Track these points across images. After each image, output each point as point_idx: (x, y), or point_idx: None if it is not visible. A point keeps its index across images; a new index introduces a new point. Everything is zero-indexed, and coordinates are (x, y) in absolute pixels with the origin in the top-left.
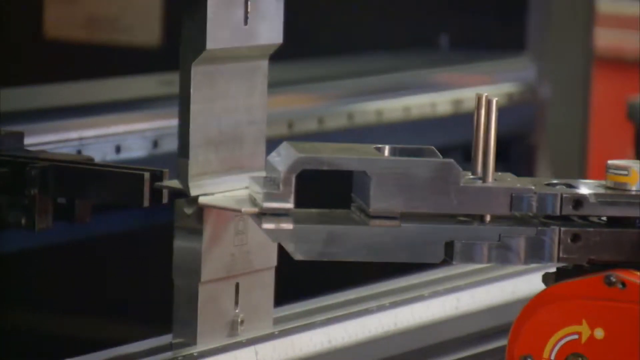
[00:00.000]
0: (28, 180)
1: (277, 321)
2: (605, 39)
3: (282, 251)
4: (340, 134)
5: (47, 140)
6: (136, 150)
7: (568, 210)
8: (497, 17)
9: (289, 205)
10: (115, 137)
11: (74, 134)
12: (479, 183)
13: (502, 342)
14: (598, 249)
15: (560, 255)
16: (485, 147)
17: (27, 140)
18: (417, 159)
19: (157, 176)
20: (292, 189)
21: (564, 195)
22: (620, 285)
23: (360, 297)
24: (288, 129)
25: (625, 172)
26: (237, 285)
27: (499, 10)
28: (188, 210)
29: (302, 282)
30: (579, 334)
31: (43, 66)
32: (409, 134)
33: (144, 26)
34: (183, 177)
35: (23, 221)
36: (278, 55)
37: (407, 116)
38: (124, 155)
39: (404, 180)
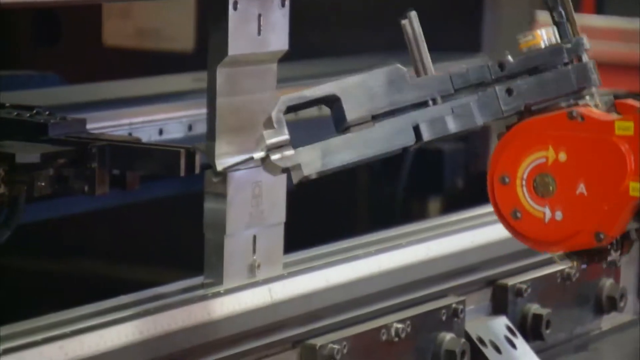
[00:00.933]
0: (89, 156)
1: (286, 265)
2: None
3: (289, 210)
4: None
5: (105, 125)
6: (175, 133)
7: (497, 73)
8: (456, 21)
9: (285, 136)
10: (158, 123)
11: (125, 120)
12: (423, 75)
13: (465, 280)
14: (529, 94)
15: (503, 108)
16: (419, 49)
17: (89, 125)
18: (369, 71)
19: (190, 152)
20: (284, 124)
21: (490, 64)
22: (580, 119)
23: (351, 246)
24: (294, 116)
25: (531, 37)
26: (254, 237)
27: (458, 15)
28: (215, 179)
29: (305, 234)
30: (546, 157)
31: (102, 67)
32: None
33: (181, 35)
34: (210, 155)
35: (86, 188)
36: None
37: None
38: (165, 136)
39: (365, 90)
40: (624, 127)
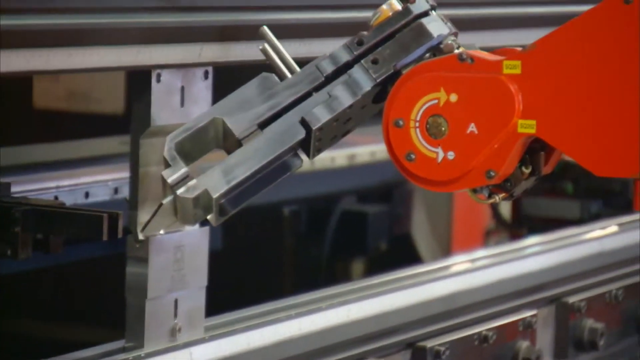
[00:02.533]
0: (12, 220)
1: (207, 329)
2: None
3: (215, 271)
4: None
5: (31, 188)
6: (101, 196)
7: (358, 49)
8: None
9: (184, 169)
10: (85, 186)
11: (52, 184)
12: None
13: (385, 342)
14: (393, 57)
15: (374, 76)
16: (279, 53)
17: (15, 189)
18: (244, 85)
19: (113, 217)
20: (179, 160)
21: (348, 42)
22: (469, 61)
23: (273, 309)
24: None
25: (379, 13)
26: (175, 301)
27: None
28: (137, 244)
29: (230, 296)
30: (438, 99)
31: (32, 129)
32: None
33: (112, 98)
34: (132, 224)
35: (8, 252)
36: None
37: (312, 168)
38: (92, 199)
39: (242, 104)
40: (511, 65)
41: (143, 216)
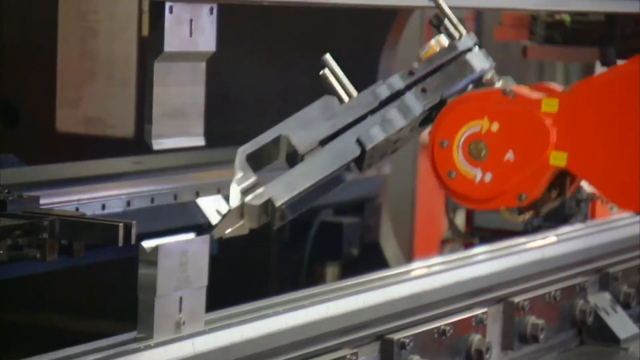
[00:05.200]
0: (41, 228)
1: (207, 322)
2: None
3: (213, 274)
4: None
5: (55, 201)
6: (115, 208)
7: (409, 79)
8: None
9: (253, 178)
10: (101, 199)
11: (74, 197)
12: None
13: (358, 335)
14: (440, 88)
15: (423, 103)
16: (339, 79)
17: (42, 201)
18: (308, 106)
19: (127, 226)
20: (249, 169)
21: (401, 73)
22: (511, 95)
23: (263, 306)
24: None
25: (428, 48)
26: (180, 298)
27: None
28: (148, 249)
29: (225, 295)
30: (481, 127)
31: (55, 150)
32: None
33: (123, 124)
34: (147, 137)
35: (38, 255)
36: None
37: None
38: (107, 211)
39: (306, 123)
40: (549, 104)
41: (157, 129)
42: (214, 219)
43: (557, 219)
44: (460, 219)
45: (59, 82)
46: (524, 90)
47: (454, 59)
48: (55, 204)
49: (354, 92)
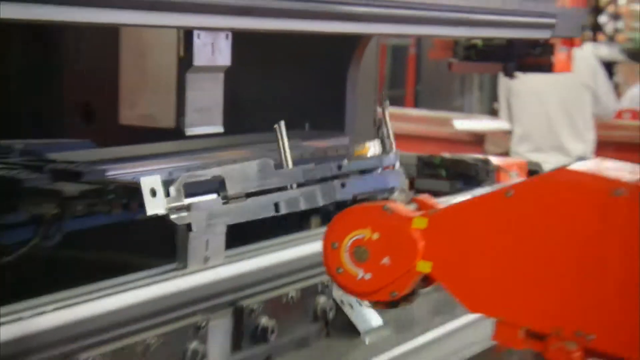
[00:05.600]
0: (108, 192)
1: (226, 257)
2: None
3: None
4: None
5: (120, 172)
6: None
7: (335, 171)
8: (333, 116)
9: (182, 202)
10: (151, 171)
11: (132, 170)
12: (285, 168)
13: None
14: (356, 188)
15: (337, 196)
16: (284, 147)
17: (110, 173)
18: (247, 161)
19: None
20: (182, 194)
21: (332, 165)
22: (389, 212)
23: (265, 245)
24: None
25: (362, 147)
26: (207, 240)
27: (334, 112)
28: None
29: (237, 238)
30: (364, 235)
31: (118, 138)
32: None
33: (167, 118)
34: (182, 126)
35: (106, 210)
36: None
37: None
38: None
39: (243, 175)
40: (419, 222)
41: (189, 120)
42: (147, 197)
43: (473, 184)
44: (404, 183)
45: (121, 90)
46: (400, 208)
47: (377, 169)
48: (118, 175)
49: (290, 163)
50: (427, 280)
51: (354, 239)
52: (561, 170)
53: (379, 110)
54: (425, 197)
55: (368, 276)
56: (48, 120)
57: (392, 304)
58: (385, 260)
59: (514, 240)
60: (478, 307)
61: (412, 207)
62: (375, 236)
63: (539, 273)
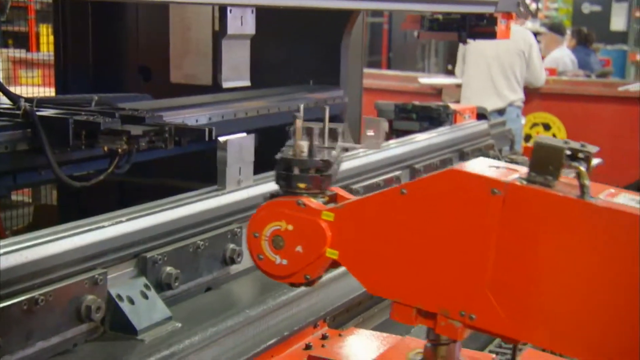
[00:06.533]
0: (164, 131)
1: (255, 180)
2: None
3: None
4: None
5: (173, 116)
6: (203, 121)
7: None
8: (331, 74)
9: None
10: (196, 116)
11: (181, 116)
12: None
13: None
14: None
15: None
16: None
17: (164, 118)
18: None
19: (210, 130)
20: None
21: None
22: (302, 205)
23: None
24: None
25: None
26: (240, 168)
27: (331, 71)
28: (222, 142)
29: (262, 166)
30: (281, 226)
31: (170, 93)
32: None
33: (206, 77)
34: (219, 80)
35: (163, 146)
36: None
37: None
38: (199, 122)
39: None
40: (327, 215)
41: (225, 75)
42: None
43: (437, 124)
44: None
45: (172, 54)
46: (311, 202)
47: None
48: (172, 119)
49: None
50: (335, 264)
51: (273, 229)
52: (450, 171)
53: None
54: (342, 192)
55: (285, 262)
56: (115, 78)
57: (307, 284)
58: (299, 248)
59: (407, 232)
60: (377, 290)
61: (327, 199)
62: (290, 227)
63: (429, 261)
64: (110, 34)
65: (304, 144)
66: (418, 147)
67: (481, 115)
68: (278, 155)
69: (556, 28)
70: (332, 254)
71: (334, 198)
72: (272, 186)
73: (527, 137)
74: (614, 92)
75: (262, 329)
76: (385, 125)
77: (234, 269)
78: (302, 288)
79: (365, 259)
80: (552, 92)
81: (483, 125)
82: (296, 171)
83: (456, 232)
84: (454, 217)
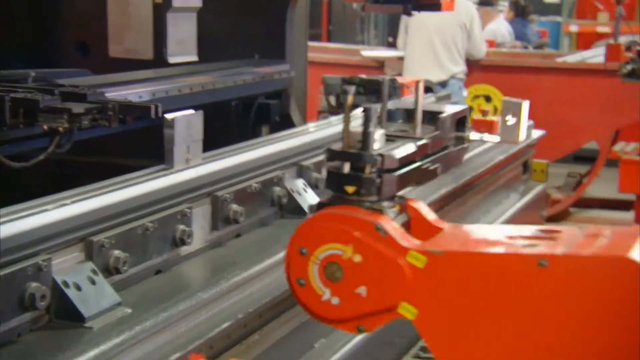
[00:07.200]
0: (108, 109)
1: (203, 158)
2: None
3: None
4: None
5: (114, 94)
6: (146, 97)
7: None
8: (277, 48)
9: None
10: (138, 92)
11: (123, 92)
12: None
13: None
14: None
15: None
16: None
17: (107, 95)
18: None
19: (156, 106)
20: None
21: None
22: (382, 233)
23: (232, 149)
24: None
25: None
26: (188, 147)
27: (277, 45)
28: (170, 119)
29: (210, 144)
30: (344, 252)
31: (109, 68)
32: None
33: (147, 51)
34: (165, 55)
35: (107, 124)
36: None
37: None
38: (142, 99)
39: None
40: (416, 257)
41: (171, 50)
42: None
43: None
44: (332, 99)
45: (110, 29)
46: (396, 232)
47: None
48: (114, 95)
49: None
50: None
51: (330, 252)
52: (620, 258)
53: None
54: (418, 205)
55: (335, 300)
56: (52, 53)
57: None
58: (361, 290)
59: (534, 311)
60: None
61: (397, 215)
62: (357, 258)
63: (558, 349)
64: (47, 8)
65: (379, 134)
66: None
67: (427, 88)
68: (336, 147)
69: (485, 1)
70: (407, 311)
71: (404, 207)
72: (223, 164)
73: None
74: (552, 63)
75: (215, 312)
76: (526, 109)
77: (185, 250)
78: (258, 267)
79: (456, 331)
80: (492, 64)
81: (430, 98)
82: (370, 172)
83: (610, 322)
84: (612, 306)
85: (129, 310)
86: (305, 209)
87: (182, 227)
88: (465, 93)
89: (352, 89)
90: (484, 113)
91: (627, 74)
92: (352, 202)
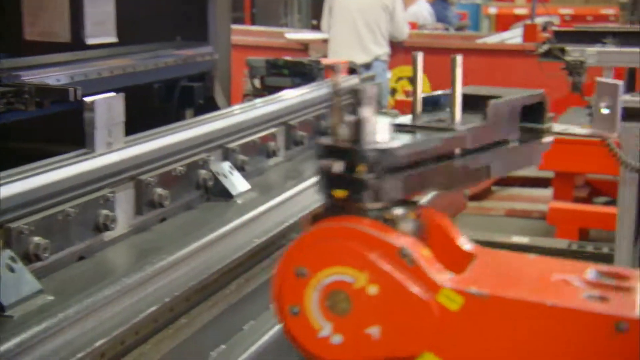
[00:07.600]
0: (24, 92)
1: (125, 142)
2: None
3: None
4: None
5: (30, 77)
6: (65, 80)
7: None
8: (199, 30)
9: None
10: (56, 76)
11: (41, 75)
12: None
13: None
14: None
15: None
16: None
17: (23, 78)
18: None
19: (75, 90)
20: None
21: None
22: (409, 262)
23: (156, 132)
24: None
25: None
26: (109, 130)
27: (199, 27)
28: (89, 102)
29: (132, 127)
30: (355, 280)
31: (26, 51)
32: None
33: (64, 33)
34: (83, 37)
35: (23, 107)
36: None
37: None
38: (60, 82)
39: None
40: (451, 297)
41: (89, 32)
42: None
43: (309, 80)
44: (257, 82)
45: (25, 11)
46: (427, 261)
47: None
48: (31, 79)
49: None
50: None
51: (336, 278)
52: None
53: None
54: (438, 217)
55: (337, 339)
56: None
57: None
58: (373, 331)
59: None
60: None
61: (411, 222)
62: (372, 290)
63: None
64: None
65: (383, 123)
66: (292, 104)
67: (352, 70)
68: (326, 141)
69: None
70: None
71: (431, 225)
72: (147, 147)
73: (393, 91)
74: (472, 44)
75: (141, 297)
76: (621, 92)
77: (108, 235)
78: (184, 251)
79: None
80: (414, 45)
81: (354, 80)
82: (364, 172)
83: None
84: None
85: (51, 298)
86: (232, 191)
87: (105, 212)
88: (389, 75)
89: (339, 66)
90: (408, 94)
91: (544, 53)
92: (358, 212)
